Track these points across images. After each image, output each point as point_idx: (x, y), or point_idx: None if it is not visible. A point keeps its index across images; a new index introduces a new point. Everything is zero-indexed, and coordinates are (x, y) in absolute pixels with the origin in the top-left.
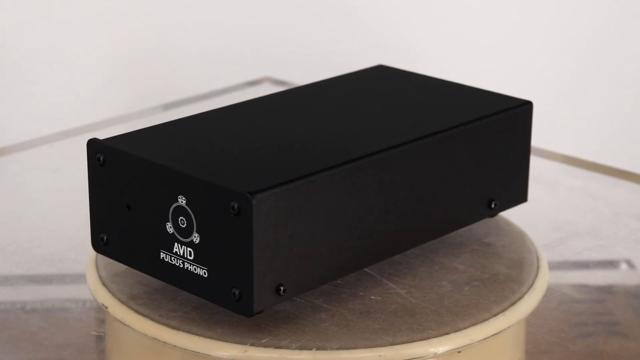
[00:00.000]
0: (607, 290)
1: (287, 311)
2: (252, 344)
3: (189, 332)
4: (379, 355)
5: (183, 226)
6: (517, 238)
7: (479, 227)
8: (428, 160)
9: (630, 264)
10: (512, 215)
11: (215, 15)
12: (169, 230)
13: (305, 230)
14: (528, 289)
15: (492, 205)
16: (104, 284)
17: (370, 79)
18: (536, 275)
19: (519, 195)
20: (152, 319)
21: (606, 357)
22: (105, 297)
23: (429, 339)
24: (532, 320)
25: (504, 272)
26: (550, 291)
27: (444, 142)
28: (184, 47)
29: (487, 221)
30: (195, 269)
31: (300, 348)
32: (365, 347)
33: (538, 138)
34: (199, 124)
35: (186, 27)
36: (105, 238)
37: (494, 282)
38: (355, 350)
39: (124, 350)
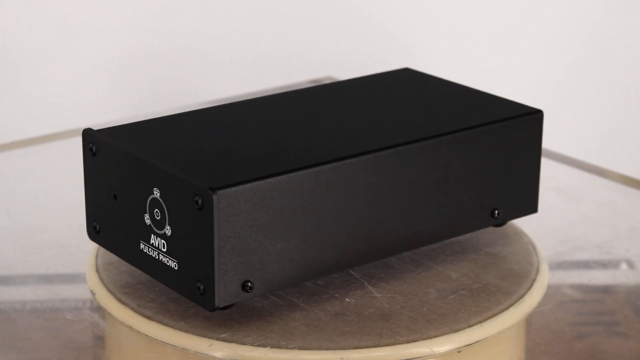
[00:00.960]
0: (607, 290)
1: (262, 308)
2: (218, 338)
3: (160, 322)
4: (341, 358)
5: (158, 218)
6: (523, 249)
7: (486, 236)
8: (420, 163)
9: (630, 264)
10: (526, 224)
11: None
12: (146, 222)
13: (276, 229)
14: (515, 302)
15: (496, 214)
16: (97, 271)
17: (388, 81)
18: (529, 288)
19: (527, 205)
20: (131, 308)
21: (606, 357)
22: (95, 284)
23: (395, 344)
24: (532, 320)
25: (495, 283)
26: (550, 291)
27: (439, 147)
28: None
29: (496, 230)
30: (167, 261)
31: (262, 345)
32: (328, 348)
33: (565, 147)
34: (199, 119)
35: (243, 29)
36: (97, 227)
37: (481, 292)
38: (313, 352)
39: (123, 350)
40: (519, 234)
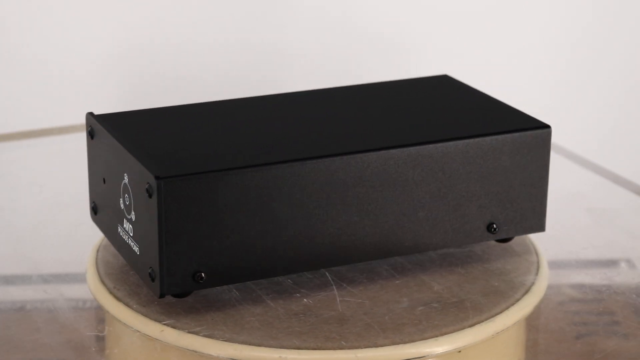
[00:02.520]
0: (607, 290)
1: (228, 300)
2: (171, 325)
3: (127, 304)
4: (280, 357)
5: (127, 203)
6: (524, 265)
7: (492, 249)
8: (399, 168)
9: (630, 264)
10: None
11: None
12: (121, 206)
13: (229, 223)
14: (485, 320)
15: (493, 229)
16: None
17: (417, 86)
18: (510, 307)
19: (533, 223)
20: (107, 289)
21: (606, 357)
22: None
23: (334, 349)
24: (532, 320)
25: (475, 299)
26: (550, 291)
27: (425, 153)
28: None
29: (506, 244)
30: (133, 246)
31: (209, 336)
32: (269, 346)
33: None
34: (199, 111)
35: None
36: (95, 208)
37: (454, 307)
38: (253, 347)
39: (124, 350)
40: (528, 250)
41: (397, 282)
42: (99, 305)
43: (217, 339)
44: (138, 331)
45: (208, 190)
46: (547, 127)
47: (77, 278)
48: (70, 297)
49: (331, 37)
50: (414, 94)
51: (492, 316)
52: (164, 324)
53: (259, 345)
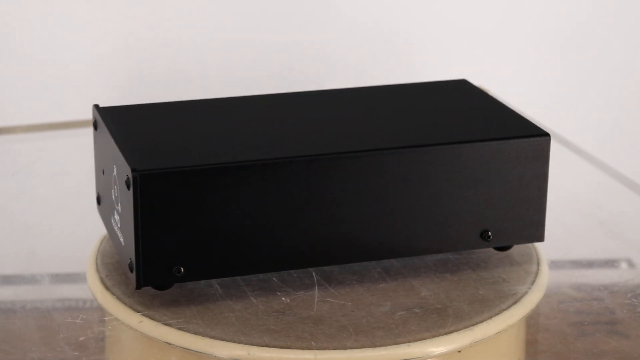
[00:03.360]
0: (607, 290)
1: (212, 295)
2: (149, 316)
3: (113, 293)
4: (248, 353)
5: (116, 195)
6: (521, 275)
7: (492, 256)
8: (388, 172)
9: (630, 264)
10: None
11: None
12: (112, 197)
13: (210, 219)
14: (462, 328)
15: (488, 236)
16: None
17: (431, 90)
18: (493, 317)
19: (531, 233)
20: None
21: (606, 356)
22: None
23: (302, 349)
24: (532, 320)
25: (458, 307)
26: (550, 291)
27: (415, 158)
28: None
29: (508, 253)
30: (120, 237)
31: (183, 329)
32: (240, 342)
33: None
34: (203, 108)
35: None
36: (98, 198)
37: (435, 314)
38: (223, 342)
39: (123, 349)
40: (528, 259)
41: (386, 285)
42: (99, 305)
43: (189, 332)
44: (118, 319)
45: (186, 185)
46: (546, 135)
47: (77, 278)
48: (70, 297)
49: (364, 39)
50: (426, 97)
51: (472, 325)
52: (143, 315)
53: (229, 340)
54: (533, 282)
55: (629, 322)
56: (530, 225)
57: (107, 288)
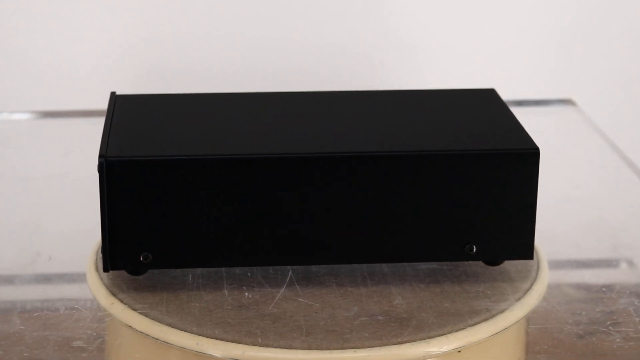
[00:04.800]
0: (607, 290)
1: (190, 284)
2: (121, 300)
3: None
4: (197, 344)
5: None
6: (508, 292)
7: (487, 270)
8: (368, 176)
9: (631, 264)
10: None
11: None
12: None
13: (179, 210)
14: (418, 340)
15: (471, 250)
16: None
17: (451, 98)
18: (455, 332)
19: (518, 249)
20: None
21: (606, 357)
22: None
23: (247, 344)
24: (532, 320)
25: (425, 318)
26: (550, 291)
27: (397, 164)
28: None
29: (505, 268)
30: (102, 221)
31: (145, 314)
32: (192, 332)
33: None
34: (215, 100)
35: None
36: None
37: (397, 323)
38: (176, 331)
39: (123, 349)
40: (524, 275)
41: (364, 290)
42: (99, 305)
43: (149, 317)
44: (118, 319)
45: (153, 175)
46: (535, 149)
47: (77, 278)
48: (70, 297)
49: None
50: (441, 104)
51: (428, 338)
52: (117, 298)
53: (182, 329)
54: (519, 299)
55: (628, 323)
56: (518, 242)
57: (106, 288)
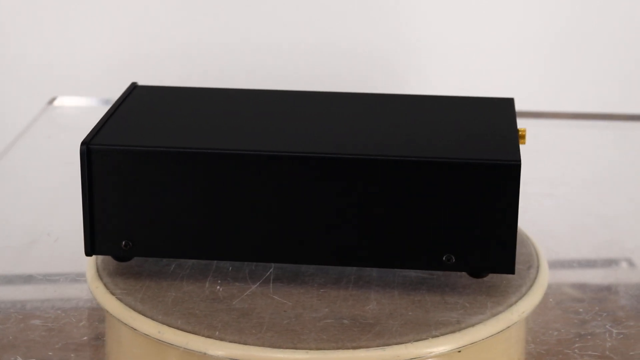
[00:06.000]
0: (607, 290)
1: (176, 274)
2: (105, 284)
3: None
4: (159, 332)
5: None
6: (485, 307)
7: (479, 282)
8: (345, 179)
9: (631, 263)
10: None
11: None
12: None
13: (159, 199)
14: (374, 346)
15: (450, 260)
16: (97, 271)
17: (465, 105)
18: (413, 342)
19: (499, 263)
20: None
21: (606, 356)
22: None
23: (203, 336)
24: (532, 320)
25: (388, 326)
26: (550, 291)
27: (375, 168)
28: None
29: (491, 283)
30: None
31: (122, 301)
32: (158, 320)
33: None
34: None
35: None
36: None
37: (358, 328)
38: (142, 318)
39: (123, 349)
40: (513, 290)
41: (343, 293)
42: (99, 305)
43: (124, 303)
44: (118, 319)
45: (134, 165)
46: (516, 162)
47: (77, 278)
48: (70, 297)
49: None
50: (448, 111)
51: (383, 345)
52: (102, 282)
53: (149, 317)
54: (493, 317)
55: (629, 322)
56: (498, 255)
57: (107, 288)
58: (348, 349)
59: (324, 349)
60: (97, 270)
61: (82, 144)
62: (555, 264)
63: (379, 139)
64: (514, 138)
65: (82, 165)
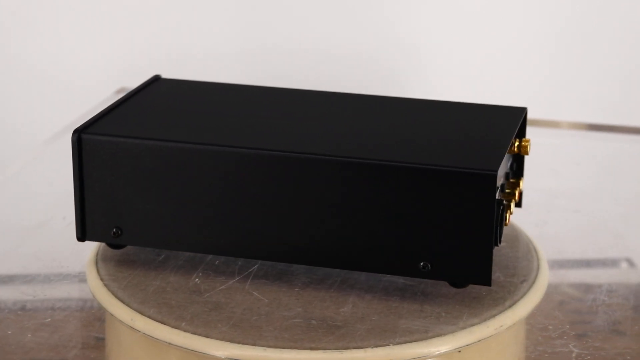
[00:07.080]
0: (607, 290)
1: (167, 265)
2: (97, 270)
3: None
4: (131, 319)
5: None
6: (464, 317)
7: (467, 291)
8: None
9: (631, 263)
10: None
11: None
12: None
13: (149, 189)
14: (332, 349)
15: (426, 267)
16: (97, 271)
17: (473, 112)
18: (375, 347)
19: (475, 274)
20: (130, 307)
21: (606, 356)
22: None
23: (171, 327)
24: (532, 320)
25: (354, 330)
26: (550, 290)
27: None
28: None
29: (476, 294)
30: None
31: (105, 286)
32: (131, 307)
33: None
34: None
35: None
36: None
37: (323, 330)
38: (120, 306)
39: (123, 349)
40: (499, 303)
41: (323, 294)
42: (99, 305)
43: (108, 289)
44: (118, 319)
45: (124, 156)
46: (492, 171)
47: (77, 278)
48: (70, 297)
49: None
50: (450, 117)
51: (343, 349)
52: (96, 267)
53: (126, 304)
54: (468, 327)
55: (629, 322)
56: (474, 265)
57: (107, 288)
58: (306, 349)
59: (282, 347)
60: (97, 255)
61: (74, 132)
62: (555, 264)
63: (363, 141)
64: (502, 148)
65: (72, 153)
